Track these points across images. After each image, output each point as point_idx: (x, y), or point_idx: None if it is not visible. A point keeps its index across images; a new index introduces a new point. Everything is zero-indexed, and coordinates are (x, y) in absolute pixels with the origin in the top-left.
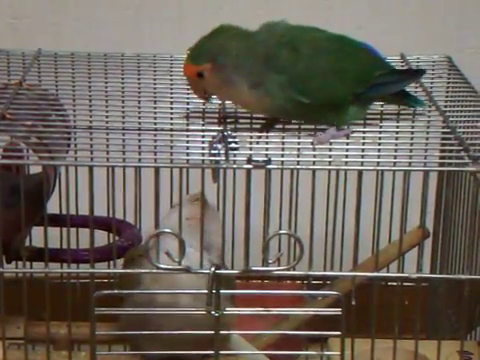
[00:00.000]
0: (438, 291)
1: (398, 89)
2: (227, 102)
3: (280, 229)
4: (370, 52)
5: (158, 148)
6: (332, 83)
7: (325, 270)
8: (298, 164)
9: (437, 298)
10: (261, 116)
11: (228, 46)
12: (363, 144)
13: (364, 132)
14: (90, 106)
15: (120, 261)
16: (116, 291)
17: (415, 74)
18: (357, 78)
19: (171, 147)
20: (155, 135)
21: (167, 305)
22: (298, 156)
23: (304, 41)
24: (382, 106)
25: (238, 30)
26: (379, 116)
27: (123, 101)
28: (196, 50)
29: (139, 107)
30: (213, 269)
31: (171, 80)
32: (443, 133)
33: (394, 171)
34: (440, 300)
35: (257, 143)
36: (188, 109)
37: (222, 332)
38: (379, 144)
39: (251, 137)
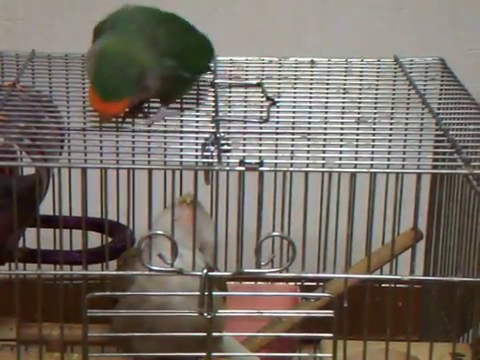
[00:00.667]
0: (431, 293)
1: None
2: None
3: (273, 231)
4: None
5: (151, 150)
6: (199, 56)
7: (318, 272)
8: (291, 166)
9: (430, 300)
10: None
11: (142, 61)
12: (356, 146)
13: (357, 134)
14: (83, 107)
15: (113, 263)
16: (109, 293)
17: None
18: (205, 51)
19: (164, 149)
20: (149, 137)
21: (159, 304)
22: (291, 158)
23: (164, 21)
24: (375, 108)
25: (119, 41)
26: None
27: None
28: (113, 86)
29: None
30: (205, 271)
31: None
32: (436, 135)
33: (387, 173)
34: (433, 302)
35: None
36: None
37: (215, 334)
38: (372, 146)
39: (244, 139)
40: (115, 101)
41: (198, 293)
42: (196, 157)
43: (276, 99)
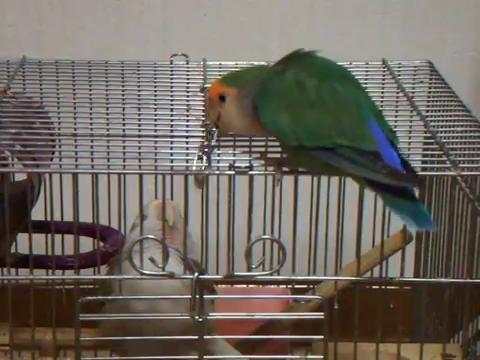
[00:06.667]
0: (421, 295)
1: (355, 172)
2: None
3: (263, 234)
4: (359, 122)
5: (142, 155)
6: (283, 118)
7: (308, 274)
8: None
9: (420, 302)
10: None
11: (255, 75)
12: None
13: None
14: (74, 113)
15: (105, 267)
16: (101, 297)
17: (395, 175)
18: (308, 129)
19: (155, 154)
20: (139, 142)
21: (145, 312)
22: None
23: (301, 69)
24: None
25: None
26: None
27: (107, 108)
28: (230, 75)
29: (123, 114)
30: (196, 274)
31: (155, 87)
32: (425, 138)
33: None
34: (423, 304)
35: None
36: (171, 115)
37: (206, 337)
38: None
39: (234, 148)
40: (216, 84)
41: (188, 296)
42: (187, 162)
43: None
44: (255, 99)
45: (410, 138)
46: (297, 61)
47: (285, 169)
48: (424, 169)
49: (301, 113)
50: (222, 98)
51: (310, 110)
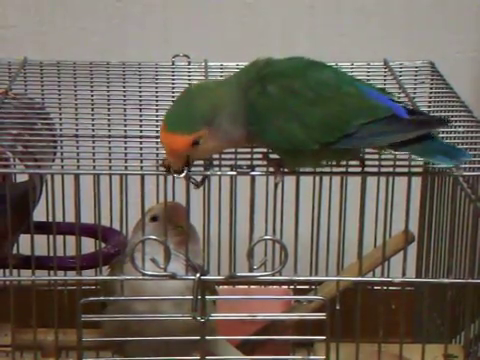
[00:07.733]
0: (423, 295)
1: (391, 140)
2: None
3: (265, 235)
4: (362, 96)
5: (144, 155)
6: (293, 129)
7: (310, 275)
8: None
9: (422, 302)
10: None
11: (220, 101)
12: None
13: None
14: (76, 114)
15: (106, 268)
16: (102, 298)
17: (423, 124)
18: (325, 127)
19: (157, 154)
20: (141, 143)
21: (147, 313)
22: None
23: (278, 78)
24: None
25: (212, 83)
26: None
27: (109, 109)
28: (181, 119)
29: (125, 115)
30: (198, 275)
31: (156, 87)
32: None
33: (378, 176)
34: (425, 304)
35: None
36: None
37: (208, 338)
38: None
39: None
40: (179, 135)
41: (190, 297)
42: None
43: None
44: (244, 123)
45: None
46: (267, 74)
47: (285, 170)
48: (426, 169)
49: (309, 115)
50: (195, 143)
51: (315, 108)
